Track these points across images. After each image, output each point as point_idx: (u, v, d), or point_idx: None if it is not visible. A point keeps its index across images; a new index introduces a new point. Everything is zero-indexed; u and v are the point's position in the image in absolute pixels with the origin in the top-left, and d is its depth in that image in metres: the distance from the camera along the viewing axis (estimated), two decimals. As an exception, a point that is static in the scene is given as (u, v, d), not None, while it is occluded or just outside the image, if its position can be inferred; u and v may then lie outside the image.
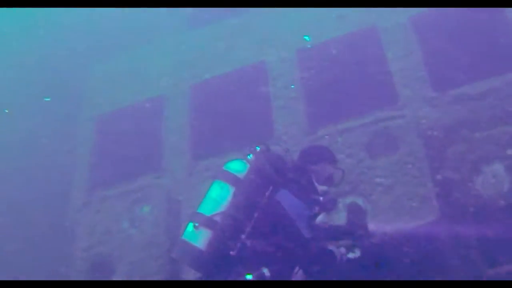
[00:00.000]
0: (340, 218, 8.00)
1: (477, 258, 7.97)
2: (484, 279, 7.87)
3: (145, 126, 10.41)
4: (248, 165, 6.21)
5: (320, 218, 6.33)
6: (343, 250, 6.54)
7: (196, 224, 5.95)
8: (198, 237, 5.96)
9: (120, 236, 9.51)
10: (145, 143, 10.23)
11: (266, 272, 5.87)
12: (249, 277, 5.80)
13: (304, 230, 6.02)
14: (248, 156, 6.32)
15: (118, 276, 9.06)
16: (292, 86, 9.48)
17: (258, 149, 6.38)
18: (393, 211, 8.08)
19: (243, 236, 5.92)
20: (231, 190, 6.07)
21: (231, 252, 5.87)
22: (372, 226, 6.99)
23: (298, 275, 6.22)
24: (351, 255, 6.57)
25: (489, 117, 8.41)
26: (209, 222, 5.95)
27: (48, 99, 11.58)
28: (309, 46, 9.56)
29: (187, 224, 6.07)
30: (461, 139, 8.39)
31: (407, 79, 9.06)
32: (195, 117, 10.17)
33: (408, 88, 8.96)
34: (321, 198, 6.20)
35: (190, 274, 8.08)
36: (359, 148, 8.61)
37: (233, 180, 6.11)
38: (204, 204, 6.11)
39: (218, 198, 6.07)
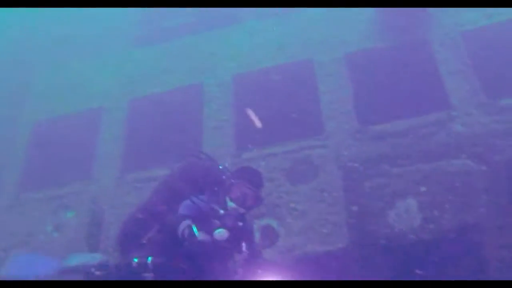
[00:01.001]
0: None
1: None
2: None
3: (81, 135, 10.35)
4: None
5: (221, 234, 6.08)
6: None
7: None
8: None
9: (42, 239, 9.36)
10: (79, 151, 10.17)
11: (149, 261, 5.87)
12: (135, 260, 5.89)
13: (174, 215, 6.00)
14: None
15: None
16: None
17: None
18: (304, 236, 8.08)
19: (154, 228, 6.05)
20: None
21: (144, 241, 6.02)
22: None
23: None
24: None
25: (406, 155, 8.52)
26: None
27: None
28: None
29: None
30: (378, 173, 8.46)
31: (334, 112, 9.15)
32: (130, 131, 10.12)
33: (334, 120, 9.04)
34: (221, 212, 6.09)
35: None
36: (280, 173, 8.64)
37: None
38: None
39: None
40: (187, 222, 5.86)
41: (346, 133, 8.89)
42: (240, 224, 5.98)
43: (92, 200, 9.52)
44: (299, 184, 8.60)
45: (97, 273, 6.39)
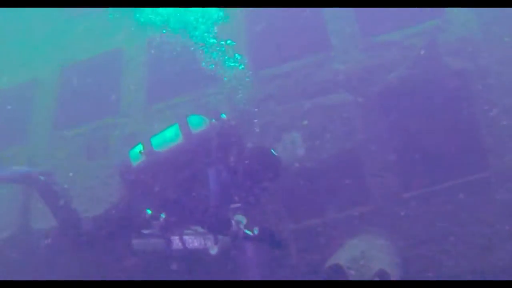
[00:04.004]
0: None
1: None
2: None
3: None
4: (205, 126, 7.26)
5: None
6: (241, 219, 7.34)
7: (142, 151, 7.12)
8: (137, 159, 7.17)
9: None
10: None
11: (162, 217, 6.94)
12: (148, 212, 7.02)
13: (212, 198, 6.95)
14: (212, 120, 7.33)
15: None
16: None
17: (223, 116, 7.38)
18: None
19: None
20: (179, 140, 7.14)
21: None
22: None
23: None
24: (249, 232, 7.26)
25: (291, 93, 9.11)
26: (150, 153, 7.09)
27: None
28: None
29: (138, 144, 7.31)
30: (267, 111, 9.06)
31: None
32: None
33: (228, 70, 9.62)
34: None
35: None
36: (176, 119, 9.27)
37: (185, 132, 7.16)
38: (157, 137, 7.25)
39: (168, 139, 7.19)
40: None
41: (239, 79, 9.46)
42: None
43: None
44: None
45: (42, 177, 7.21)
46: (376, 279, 7.01)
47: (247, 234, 7.16)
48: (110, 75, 10.53)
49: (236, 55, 8.60)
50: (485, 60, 8.58)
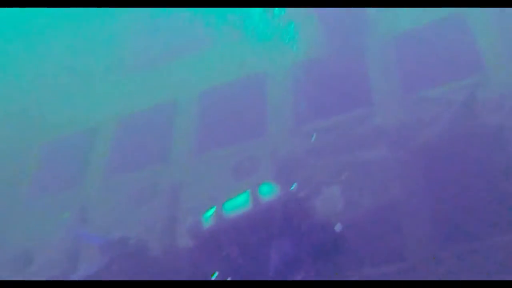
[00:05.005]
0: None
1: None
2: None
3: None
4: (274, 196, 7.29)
5: None
6: None
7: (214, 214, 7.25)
8: (208, 222, 7.25)
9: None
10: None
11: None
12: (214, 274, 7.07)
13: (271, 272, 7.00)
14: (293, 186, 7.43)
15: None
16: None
17: (293, 187, 7.42)
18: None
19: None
20: (248, 207, 7.21)
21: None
22: None
23: None
24: None
25: (331, 148, 9.29)
26: (220, 217, 7.21)
27: None
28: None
29: (212, 207, 7.38)
30: (307, 165, 9.26)
31: (277, 114, 10.06)
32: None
33: (274, 124, 9.96)
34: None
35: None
36: (222, 170, 9.63)
37: (255, 200, 7.23)
38: (229, 203, 7.32)
39: (238, 205, 7.26)
40: None
41: (283, 133, 9.76)
42: None
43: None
44: (242, 178, 9.51)
45: None
46: None
47: None
48: (163, 125, 10.95)
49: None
50: (525, 117, 8.50)
